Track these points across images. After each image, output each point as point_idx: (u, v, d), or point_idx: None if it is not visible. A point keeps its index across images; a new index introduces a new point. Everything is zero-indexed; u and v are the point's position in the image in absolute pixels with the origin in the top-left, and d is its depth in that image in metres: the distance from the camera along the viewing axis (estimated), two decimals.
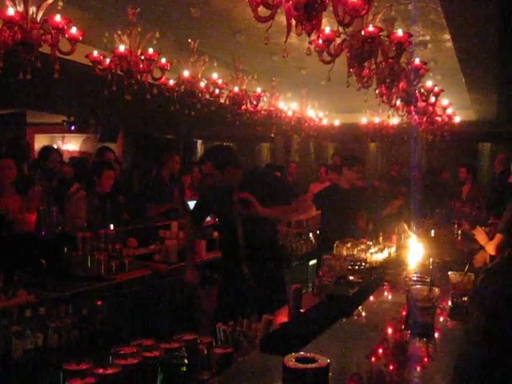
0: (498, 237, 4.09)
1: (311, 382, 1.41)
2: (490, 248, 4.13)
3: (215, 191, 3.84)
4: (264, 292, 3.67)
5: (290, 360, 1.44)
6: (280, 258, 4.11)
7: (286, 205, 3.73)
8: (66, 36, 4.07)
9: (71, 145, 14.63)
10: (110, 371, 1.50)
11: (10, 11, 3.76)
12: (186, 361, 1.49)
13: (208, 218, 4.78)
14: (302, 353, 1.50)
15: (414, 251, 4.02)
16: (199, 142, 16.29)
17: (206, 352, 1.85)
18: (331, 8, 3.13)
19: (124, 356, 1.61)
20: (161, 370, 1.44)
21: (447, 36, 6.14)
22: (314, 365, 1.42)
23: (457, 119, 9.80)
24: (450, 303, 2.64)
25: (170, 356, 1.51)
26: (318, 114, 10.00)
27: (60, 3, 4.27)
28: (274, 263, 3.84)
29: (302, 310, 2.64)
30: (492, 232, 4.36)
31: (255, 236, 3.74)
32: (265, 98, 7.78)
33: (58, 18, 3.91)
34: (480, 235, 4.42)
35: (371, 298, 2.88)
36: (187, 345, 1.70)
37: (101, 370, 1.50)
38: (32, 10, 3.94)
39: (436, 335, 2.20)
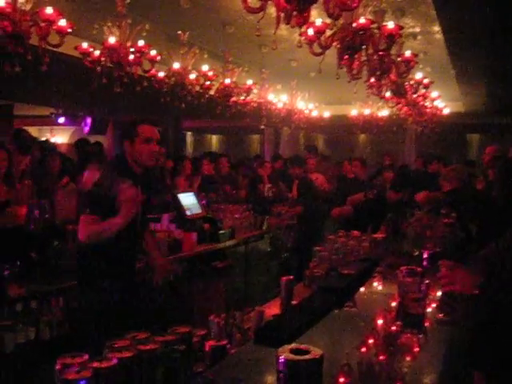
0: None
1: (305, 374, 1.43)
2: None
3: None
4: None
5: (284, 352, 1.45)
6: None
7: None
8: (55, 28, 4.03)
9: (60, 137, 14.54)
10: (105, 364, 1.51)
11: (0, 2, 3.71)
12: (184, 354, 1.49)
13: (198, 211, 4.78)
14: (294, 344, 1.51)
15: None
16: (189, 133, 16.26)
17: (200, 344, 1.85)
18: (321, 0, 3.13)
19: (119, 349, 1.61)
20: (160, 363, 1.44)
21: (437, 28, 6.16)
22: (307, 356, 1.44)
23: (446, 111, 9.84)
24: (440, 294, 2.66)
25: (168, 349, 1.51)
26: (308, 106, 9.98)
27: None
28: None
29: (293, 302, 2.66)
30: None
31: None
32: (255, 90, 7.77)
33: (49, 10, 3.87)
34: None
35: (363, 289, 2.90)
36: (182, 337, 1.70)
37: (96, 364, 1.50)
38: (20, 0, 3.90)
39: (427, 326, 2.23)
